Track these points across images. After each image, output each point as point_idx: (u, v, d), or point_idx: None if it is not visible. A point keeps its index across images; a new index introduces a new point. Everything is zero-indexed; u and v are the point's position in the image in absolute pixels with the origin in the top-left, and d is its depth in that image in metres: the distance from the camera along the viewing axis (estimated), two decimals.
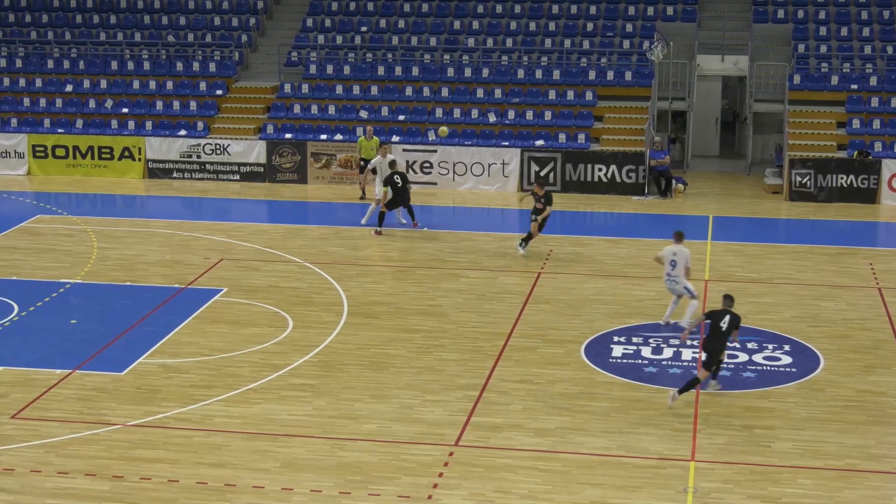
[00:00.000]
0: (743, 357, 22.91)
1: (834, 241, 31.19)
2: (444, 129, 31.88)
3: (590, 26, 42.21)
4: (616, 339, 24.03)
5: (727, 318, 20.87)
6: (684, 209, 35.49)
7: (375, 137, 36.14)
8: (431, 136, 37.98)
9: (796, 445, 19.18)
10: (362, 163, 35.84)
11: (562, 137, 37.94)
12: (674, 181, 37.07)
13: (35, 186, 37.47)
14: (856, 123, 37.70)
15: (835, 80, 39.15)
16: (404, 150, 37.43)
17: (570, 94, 39.30)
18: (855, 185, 35.50)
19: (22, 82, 41.58)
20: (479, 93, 39.66)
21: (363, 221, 32.64)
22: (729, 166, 41.99)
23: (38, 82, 41.53)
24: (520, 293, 27.01)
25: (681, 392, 20.55)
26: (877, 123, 37.61)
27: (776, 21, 42.30)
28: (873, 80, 38.92)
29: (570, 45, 41.31)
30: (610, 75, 39.88)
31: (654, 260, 25.27)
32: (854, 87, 38.94)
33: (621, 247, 31.06)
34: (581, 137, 37.87)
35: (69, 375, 22.19)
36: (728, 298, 21.25)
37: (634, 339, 23.94)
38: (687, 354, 23.05)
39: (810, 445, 19.18)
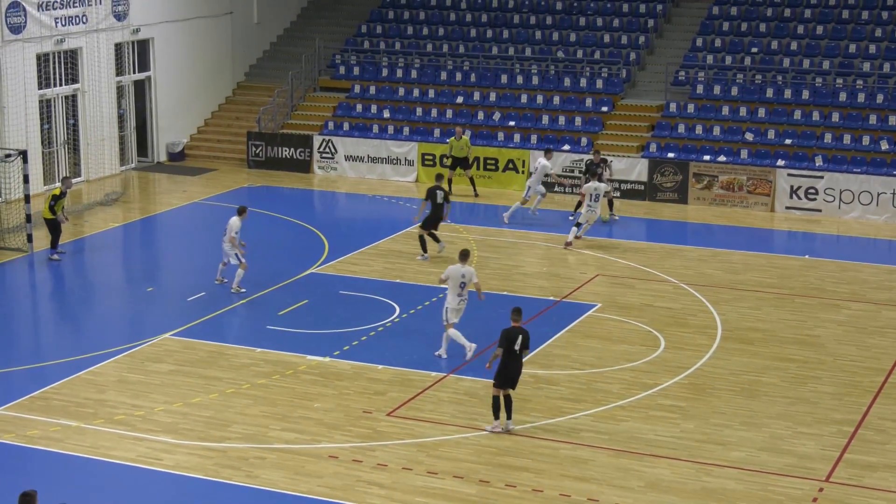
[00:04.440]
0: None
1: None
2: None
3: None
4: None
5: (520, 338, 20.31)
6: None
7: (465, 137, 38.44)
8: (818, 161, 36.96)
9: None
10: (454, 161, 38.48)
11: None
12: None
13: (422, 194, 38.67)
14: None
15: None
16: (789, 174, 36.58)
17: None
18: None
19: (416, 92, 43.10)
20: (872, 119, 38.28)
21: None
22: None
23: (431, 93, 42.95)
24: None
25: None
26: None
27: None
28: None
29: None
30: None
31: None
32: None
33: None
34: None
35: (444, 378, 22.81)
36: (516, 312, 20.53)
37: None
38: None
39: None
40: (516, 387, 20.55)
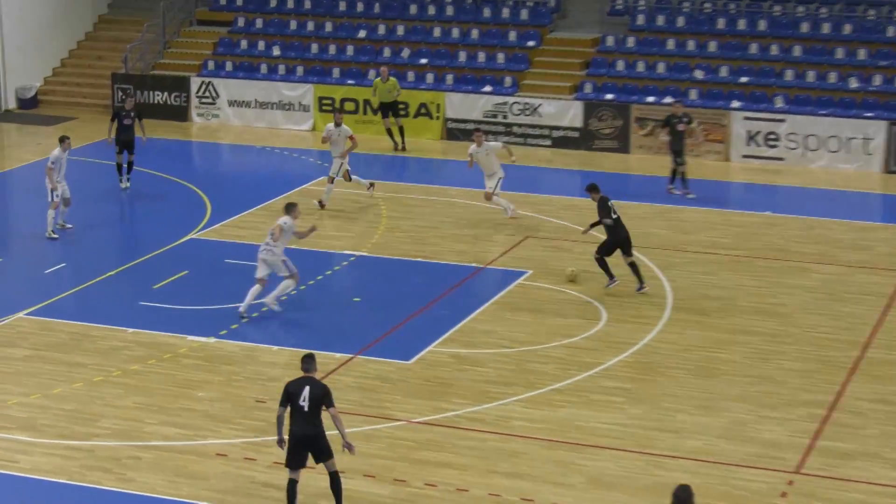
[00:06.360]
0: None
1: None
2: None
3: None
4: None
5: (306, 390, 17.26)
6: None
7: (392, 79, 38.12)
8: (778, 101, 37.21)
9: None
10: (381, 106, 38.51)
11: None
12: None
13: (319, 144, 38.44)
14: None
15: None
16: (745, 118, 36.80)
17: None
18: None
19: (310, 26, 42.77)
20: (839, 53, 38.63)
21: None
22: None
23: (329, 27, 42.64)
24: (881, 294, 26.25)
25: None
26: None
27: None
28: None
29: None
30: None
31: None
32: None
33: None
34: None
35: (350, 361, 22.66)
36: (307, 360, 17.59)
37: None
38: None
39: None
40: (328, 456, 17.46)
